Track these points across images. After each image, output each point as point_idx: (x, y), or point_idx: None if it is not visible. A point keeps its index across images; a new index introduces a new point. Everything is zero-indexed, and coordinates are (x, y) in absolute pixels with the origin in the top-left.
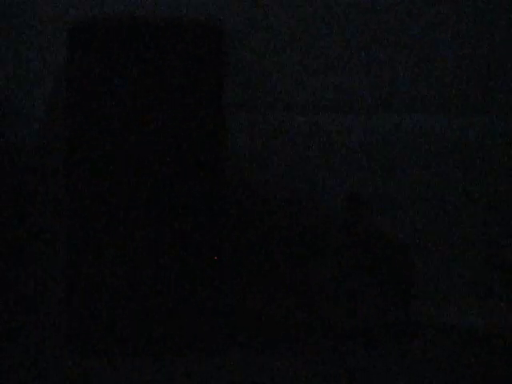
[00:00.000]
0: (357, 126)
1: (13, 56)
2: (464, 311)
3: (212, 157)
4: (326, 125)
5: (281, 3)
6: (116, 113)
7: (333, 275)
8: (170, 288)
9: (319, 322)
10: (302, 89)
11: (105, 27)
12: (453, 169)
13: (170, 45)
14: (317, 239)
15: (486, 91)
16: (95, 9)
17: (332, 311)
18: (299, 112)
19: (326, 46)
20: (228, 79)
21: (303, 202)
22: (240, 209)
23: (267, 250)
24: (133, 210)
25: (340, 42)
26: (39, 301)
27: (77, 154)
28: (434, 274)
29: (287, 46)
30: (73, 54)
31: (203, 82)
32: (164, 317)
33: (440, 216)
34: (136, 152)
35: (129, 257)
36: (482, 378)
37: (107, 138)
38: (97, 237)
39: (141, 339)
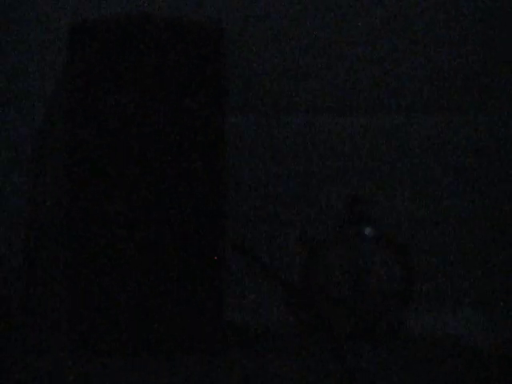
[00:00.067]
0: (357, 127)
1: (13, 56)
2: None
3: (212, 157)
4: (326, 125)
5: (281, 3)
6: (116, 113)
7: (332, 275)
8: (170, 288)
9: (319, 322)
10: (302, 89)
11: (105, 27)
12: (453, 169)
13: (170, 45)
14: (317, 239)
15: (487, 91)
16: (95, 9)
17: (332, 311)
18: (299, 112)
19: (327, 46)
20: (228, 79)
21: (303, 202)
22: (240, 209)
23: (267, 250)
24: (133, 209)
25: (340, 41)
26: (39, 300)
27: (77, 154)
28: (434, 274)
29: (287, 46)
30: (73, 54)
31: (203, 82)
32: (164, 317)
33: (440, 216)
34: (136, 152)
35: (129, 257)
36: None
37: (107, 138)
38: (97, 236)
39: (141, 339)
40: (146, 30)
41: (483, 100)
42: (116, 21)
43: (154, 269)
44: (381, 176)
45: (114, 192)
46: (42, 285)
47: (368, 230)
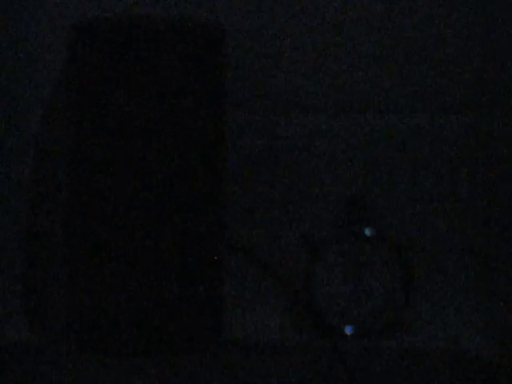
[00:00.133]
0: (357, 127)
1: (13, 56)
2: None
3: (212, 157)
4: (326, 125)
5: (281, 3)
6: (116, 112)
7: (332, 275)
8: (170, 288)
9: (319, 322)
10: (301, 89)
11: (105, 27)
12: (453, 169)
13: (171, 45)
14: (317, 240)
15: (487, 90)
16: (95, 9)
17: (332, 311)
18: (299, 112)
19: (326, 46)
20: (228, 79)
21: (303, 202)
22: (240, 209)
23: (267, 250)
24: (133, 209)
25: (340, 41)
26: (39, 300)
27: (77, 154)
28: (434, 274)
29: (287, 45)
30: (73, 54)
31: (204, 82)
32: (164, 317)
33: (440, 216)
34: (136, 152)
35: (129, 257)
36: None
37: (107, 137)
38: (97, 236)
39: (140, 339)
40: (146, 29)
41: (483, 100)
42: (116, 21)
43: (154, 269)
44: (381, 176)
45: (114, 192)
46: (41, 285)
47: (368, 230)
